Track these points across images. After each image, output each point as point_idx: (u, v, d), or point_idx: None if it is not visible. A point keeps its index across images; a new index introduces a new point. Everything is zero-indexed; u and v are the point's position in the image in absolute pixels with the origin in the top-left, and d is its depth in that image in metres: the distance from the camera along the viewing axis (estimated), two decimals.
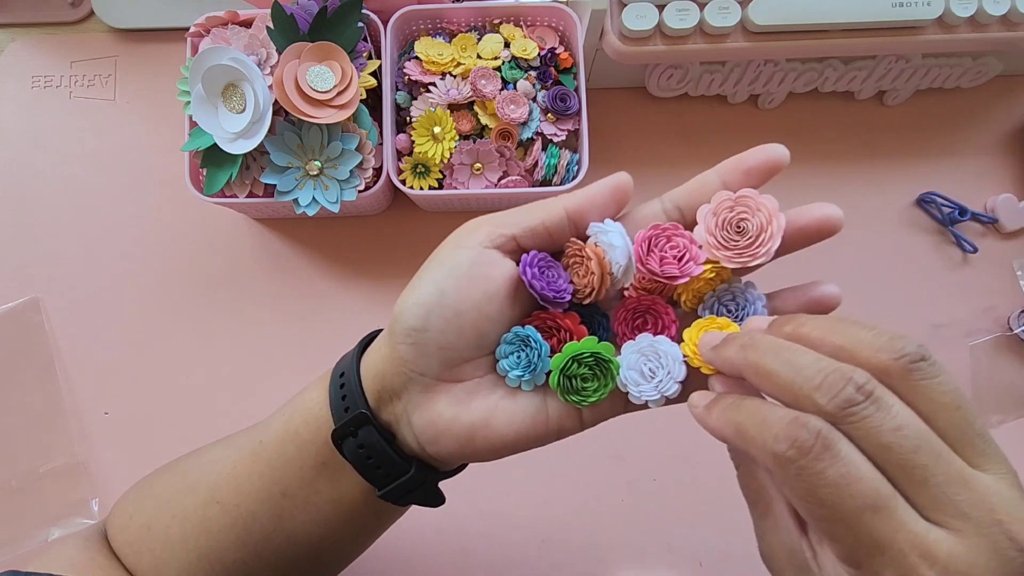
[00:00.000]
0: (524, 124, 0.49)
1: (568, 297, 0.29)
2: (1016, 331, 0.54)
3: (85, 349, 0.55)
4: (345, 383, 0.30)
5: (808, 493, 0.20)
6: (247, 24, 0.49)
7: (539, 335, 0.28)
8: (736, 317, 0.28)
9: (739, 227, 0.27)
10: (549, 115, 0.50)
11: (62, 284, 0.56)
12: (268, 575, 0.33)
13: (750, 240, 0.26)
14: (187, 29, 0.49)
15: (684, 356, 0.27)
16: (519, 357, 0.29)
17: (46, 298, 0.55)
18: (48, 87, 0.59)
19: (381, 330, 0.32)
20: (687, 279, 0.27)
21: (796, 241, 0.27)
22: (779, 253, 0.27)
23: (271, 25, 0.46)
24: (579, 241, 0.28)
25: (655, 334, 0.28)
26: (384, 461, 0.30)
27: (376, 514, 0.33)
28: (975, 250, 0.56)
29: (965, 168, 0.57)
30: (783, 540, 0.22)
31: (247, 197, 0.49)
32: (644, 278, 0.29)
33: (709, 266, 0.27)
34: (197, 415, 0.53)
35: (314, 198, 0.48)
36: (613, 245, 0.27)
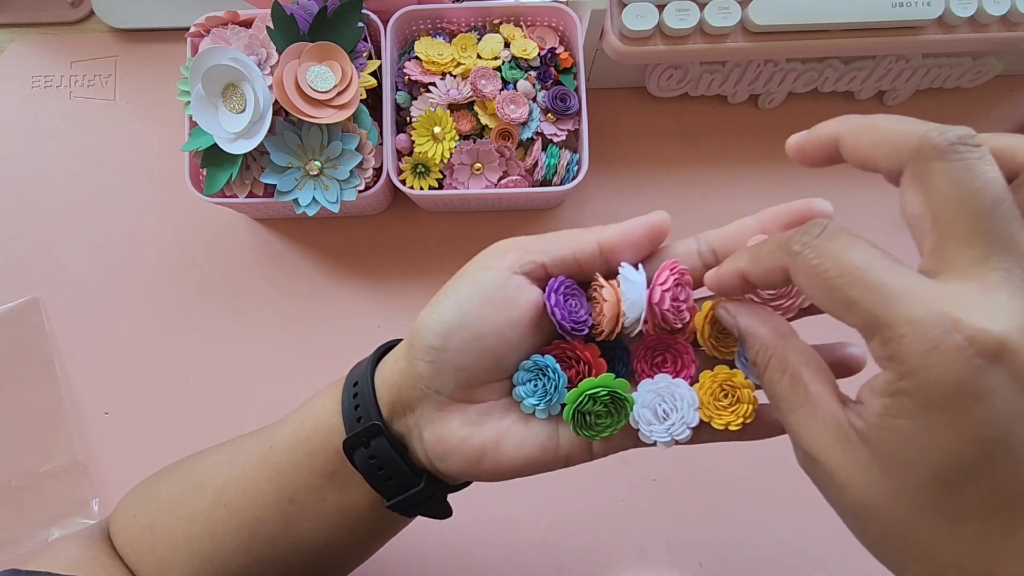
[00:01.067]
0: (524, 124, 0.49)
1: (586, 330, 0.29)
2: None
3: (85, 349, 0.55)
4: (359, 392, 0.30)
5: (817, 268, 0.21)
6: (247, 24, 0.49)
7: (558, 365, 0.28)
8: None
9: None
10: (549, 115, 0.50)
11: (62, 284, 0.56)
12: None
13: (778, 294, 0.27)
14: (187, 29, 0.49)
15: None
16: (536, 385, 0.29)
17: (46, 298, 0.55)
18: (48, 87, 0.59)
19: (397, 340, 0.32)
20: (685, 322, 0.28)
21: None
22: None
23: (271, 25, 0.46)
24: (601, 279, 0.28)
25: (674, 374, 0.29)
26: (395, 473, 0.30)
27: (382, 523, 0.33)
28: None
29: None
30: (827, 416, 0.22)
31: (247, 197, 0.49)
32: (656, 317, 0.29)
33: (709, 304, 0.28)
34: (197, 415, 0.53)
35: (314, 198, 0.48)
36: (626, 297, 0.27)
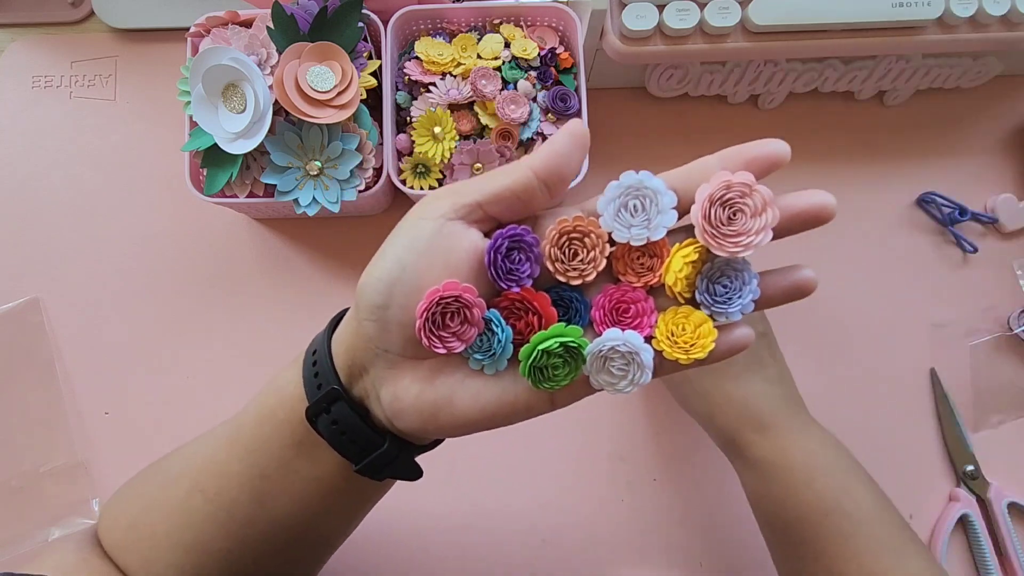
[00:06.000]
0: (524, 124, 0.49)
1: (517, 288, 0.27)
2: (1016, 331, 0.54)
3: (85, 349, 0.55)
4: (317, 360, 0.30)
5: None
6: (247, 24, 0.49)
7: (502, 319, 0.27)
8: (727, 297, 0.27)
9: (732, 215, 0.26)
10: (549, 115, 0.50)
11: (62, 284, 0.56)
12: (255, 562, 0.33)
13: (740, 229, 0.26)
14: (187, 29, 0.49)
15: (657, 350, 0.27)
16: (480, 341, 0.28)
17: (46, 298, 0.55)
18: (48, 87, 0.59)
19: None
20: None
21: (789, 227, 0.27)
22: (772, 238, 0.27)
23: (271, 25, 0.46)
24: (587, 219, 0.27)
25: (635, 327, 0.28)
26: (358, 436, 0.29)
27: (357, 491, 0.33)
28: (975, 250, 0.56)
29: (965, 168, 0.57)
30: None
31: (247, 197, 0.49)
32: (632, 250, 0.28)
33: (692, 247, 0.27)
34: (197, 415, 0.53)
35: (314, 198, 0.48)
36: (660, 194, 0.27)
